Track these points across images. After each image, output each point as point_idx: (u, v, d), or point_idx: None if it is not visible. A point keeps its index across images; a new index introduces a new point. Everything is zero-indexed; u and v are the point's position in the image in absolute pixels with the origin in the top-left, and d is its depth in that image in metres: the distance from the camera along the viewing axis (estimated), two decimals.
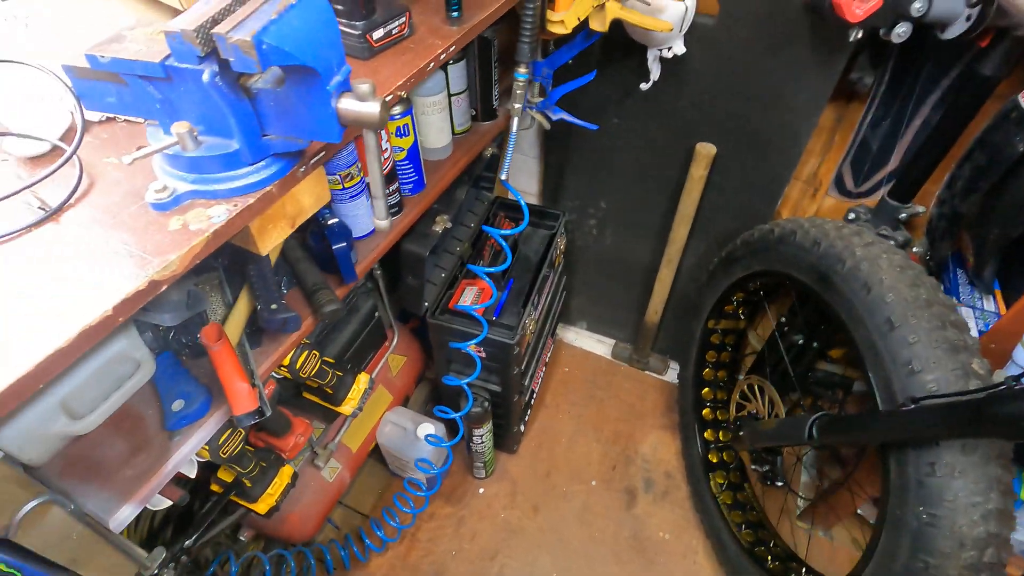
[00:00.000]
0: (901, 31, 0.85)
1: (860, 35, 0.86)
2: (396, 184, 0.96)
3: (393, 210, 0.98)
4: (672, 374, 1.67)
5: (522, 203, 1.03)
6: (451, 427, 1.28)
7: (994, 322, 0.93)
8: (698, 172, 1.19)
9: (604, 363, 1.73)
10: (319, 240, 0.85)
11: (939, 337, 0.76)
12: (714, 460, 1.37)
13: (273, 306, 0.74)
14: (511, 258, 1.04)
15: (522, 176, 1.51)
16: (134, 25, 0.48)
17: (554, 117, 1.09)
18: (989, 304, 0.96)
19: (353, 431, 1.29)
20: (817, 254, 0.94)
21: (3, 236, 0.47)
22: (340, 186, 0.86)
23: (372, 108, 0.44)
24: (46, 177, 0.50)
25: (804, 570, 1.09)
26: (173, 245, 0.48)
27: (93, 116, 0.61)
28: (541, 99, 1.08)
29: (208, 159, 0.49)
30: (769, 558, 1.19)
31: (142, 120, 0.61)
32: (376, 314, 1.24)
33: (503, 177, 0.99)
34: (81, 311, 0.43)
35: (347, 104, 0.45)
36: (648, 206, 1.37)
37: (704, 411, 1.42)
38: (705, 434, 1.40)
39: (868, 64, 1.04)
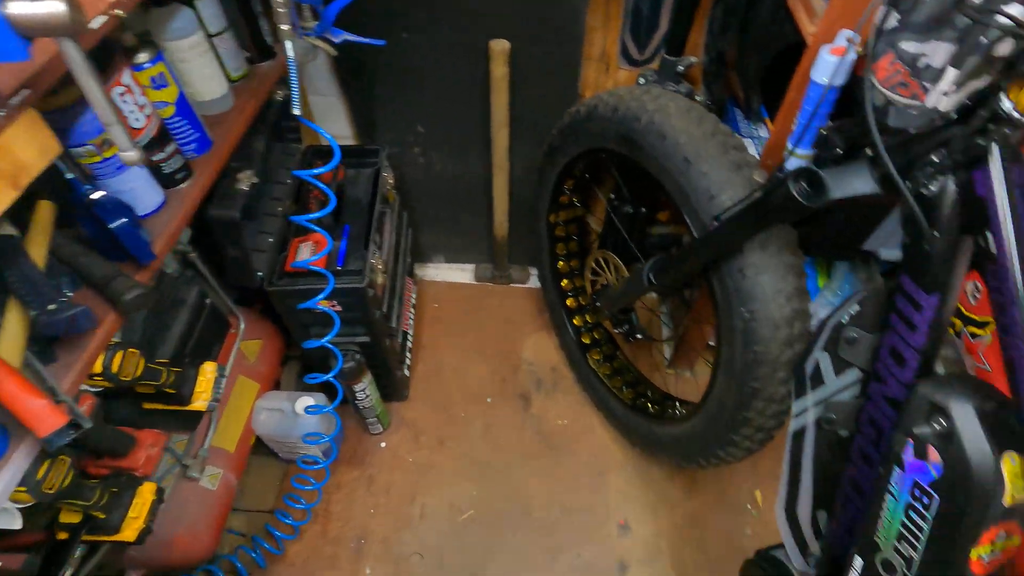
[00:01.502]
0: None
1: None
2: (173, 145, 0.85)
3: (180, 175, 0.86)
4: (534, 279, 1.74)
5: (328, 139, 0.96)
6: (331, 392, 1.22)
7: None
8: (499, 71, 1.20)
9: (470, 289, 1.75)
10: (92, 224, 0.73)
11: (725, 161, 0.86)
12: (587, 341, 1.48)
13: (52, 306, 0.63)
14: (333, 198, 0.98)
15: (331, 119, 1.41)
16: None
17: (336, 39, 1.02)
18: (762, 131, 1.10)
19: (224, 432, 1.19)
20: (618, 120, 1.00)
21: None
22: (99, 157, 0.73)
23: (55, 6, 0.36)
24: None
25: (677, 403, 1.24)
26: None
27: None
28: (316, 23, 1.00)
29: None
30: (649, 405, 1.32)
31: None
32: (208, 301, 1.12)
33: (296, 112, 0.91)
34: None
35: (20, 7, 0.36)
36: (464, 119, 1.36)
37: (568, 301, 1.51)
38: (574, 321, 1.49)
39: None
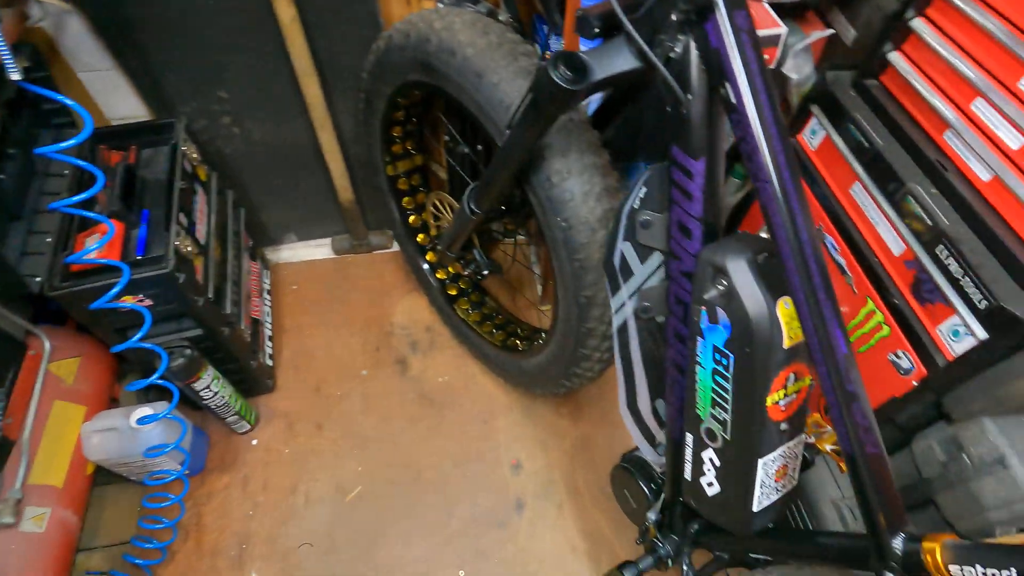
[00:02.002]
0: None
1: None
2: None
3: None
4: (395, 243, 1.66)
5: (72, 105, 0.82)
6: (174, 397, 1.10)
7: None
8: (286, 14, 1.09)
9: (330, 264, 1.65)
10: None
11: (515, 68, 0.82)
12: (454, 292, 1.43)
13: None
14: (100, 176, 0.85)
15: (116, 97, 1.24)
16: None
17: None
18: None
19: (45, 466, 1.04)
20: (412, 46, 0.94)
21: None
22: None
23: None
24: None
25: (542, 334, 1.23)
26: None
27: None
28: None
29: None
30: (518, 343, 1.31)
31: None
32: None
33: (14, 78, 0.76)
34: None
35: None
36: (267, 78, 1.24)
37: (428, 256, 1.45)
38: (437, 275, 1.44)
39: None
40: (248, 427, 1.32)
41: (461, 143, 1.23)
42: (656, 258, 0.71)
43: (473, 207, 0.93)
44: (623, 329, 0.77)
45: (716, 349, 0.62)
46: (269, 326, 1.45)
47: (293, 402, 1.39)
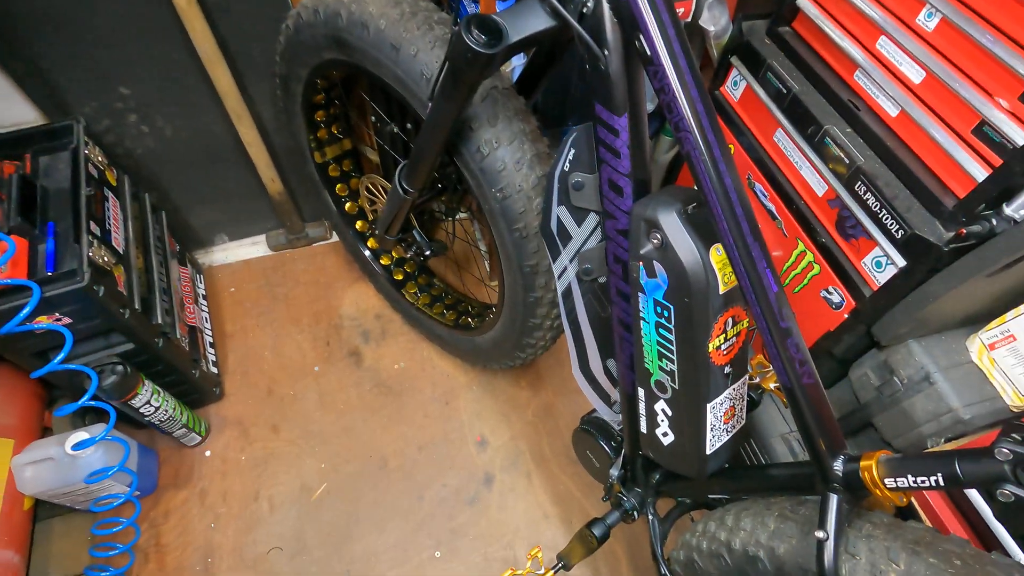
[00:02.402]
0: None
1: None
2: None
3: None
4: (334, 233, 1.61)
5: None
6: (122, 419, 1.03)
7: None
8: None
9: (268, 261, 1.58)
10: None
11: (431, 38, 0.79)
12: (400, 277, 1.41)
13: None
14: None
15: (1, 105, 1.13)
16: None
17: None
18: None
19: None
20: (322, 23, 0.89)
21: None
22: None
23: None
24: None
25: (492, 309, 1.22)
26: None
27: None
28: None
29: None
30: (470, 320, 1.30)
31: None
32: None
33: None
34: None
35: None
36: (172, 68, 1.15)
37: (370, 242, 1.41)
38: (382, 261, 1.41)
39: None
40: (199, 439, 1.26)
41: (389, 122, 1.19)
42: (592, 219, 0.71)
43: (405, 186, 0.90)
44: (567, 293, 0.77)
45: (657, 302, 0.63)
46: (209, 332, 1.39)
47: (245, 407, 1.34)
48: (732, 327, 0.63)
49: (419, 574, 1.15)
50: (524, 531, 1.21)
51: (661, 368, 0.68)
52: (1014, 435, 0.44)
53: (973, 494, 0.72)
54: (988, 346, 0.84)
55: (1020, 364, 0.80)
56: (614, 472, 0.90)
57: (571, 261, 0.75)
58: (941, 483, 0.48)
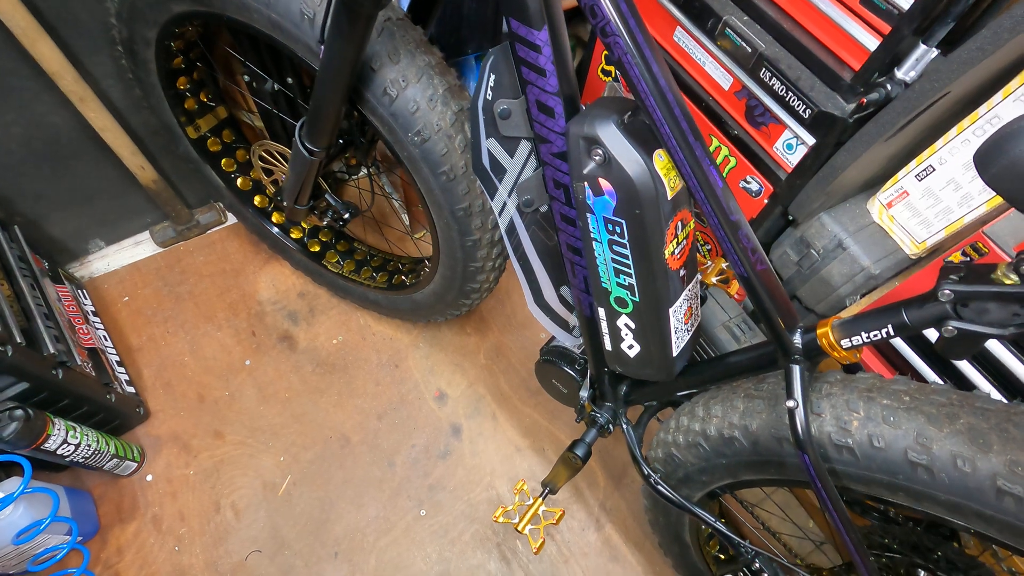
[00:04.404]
0: None
1: None
2: None
3: None
4: (230, 214, 1.46)
5: None
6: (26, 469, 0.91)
7: None
8: None
9: (159, 259, 1.41)
10: None
11: None
12: (316, 249, 1.31)
13: None
14: None
15: None
16: None
17: None
18: None
19: None
20: None
21: None
22: None
23: None
24: None
25: (426, 262, 1.18)
26: None
27: None
28: None
29: None
30: (404, 278, 1.25)
31: None
32: None
33: None
34: None
35: None
36: None
37: (274, 217, 1.29)
38: (292, 235, 1.30)
39: None
40: (135, 465, 1.15)
41: (266, 78, 1.06)
42: (524, 147, 0.68)
43: (310, 147, 0.81)
44: (511, 229, 0.75)
45: (607, 219, 0.62)
46: (113, 351, 1.24)
47: (177, 421, 1.23)
48: (682, 230, 0.65)
49: (408, 536, 1.15)
50: (501, 469, 1.23)
51: (619, 284, 0.68)
52: (951, 276, 0.49)
53: (898, 342, 0.81)
54: (886, 205, 0.92)
55: (914, 216, 0.89)
56: (584, 393, 0.92)
57: (510, 195, 0.72)
58: (891, 332, 0.53)
